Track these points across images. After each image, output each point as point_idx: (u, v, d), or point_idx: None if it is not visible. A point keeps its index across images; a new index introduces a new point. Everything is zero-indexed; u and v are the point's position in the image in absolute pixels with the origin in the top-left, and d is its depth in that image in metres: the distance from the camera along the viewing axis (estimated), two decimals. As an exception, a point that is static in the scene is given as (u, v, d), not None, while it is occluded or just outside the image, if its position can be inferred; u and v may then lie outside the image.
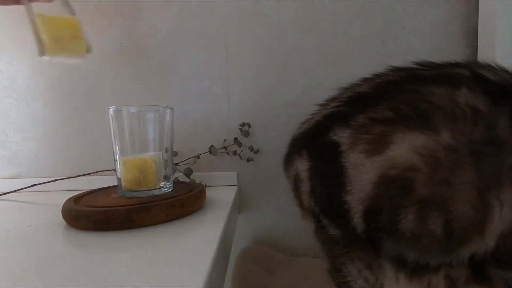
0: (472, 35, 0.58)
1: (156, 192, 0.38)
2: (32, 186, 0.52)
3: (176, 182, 0.49)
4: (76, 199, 0.38)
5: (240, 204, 0.60)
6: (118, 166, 0.38)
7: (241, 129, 0.58)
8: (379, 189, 0.22)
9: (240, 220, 0.60)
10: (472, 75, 0.26)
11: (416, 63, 0.31)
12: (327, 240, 0.30)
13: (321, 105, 0.33)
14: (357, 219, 0.24)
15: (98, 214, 0.32)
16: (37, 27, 0.31)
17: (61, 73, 0.59)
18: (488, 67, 0.28)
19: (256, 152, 0.58)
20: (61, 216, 0.35)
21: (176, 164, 0.56)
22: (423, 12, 0.58)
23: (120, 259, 0.25)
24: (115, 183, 0.40)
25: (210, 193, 0.49)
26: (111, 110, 0.38)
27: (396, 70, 0.31)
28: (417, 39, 0.58)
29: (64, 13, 0.36)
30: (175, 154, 0.56)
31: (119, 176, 0.38)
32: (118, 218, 0.32)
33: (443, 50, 0.58)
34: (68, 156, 0.59)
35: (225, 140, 0.58)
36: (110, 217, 0.32)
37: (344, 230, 0.26)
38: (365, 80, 0.32)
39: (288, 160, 0.33)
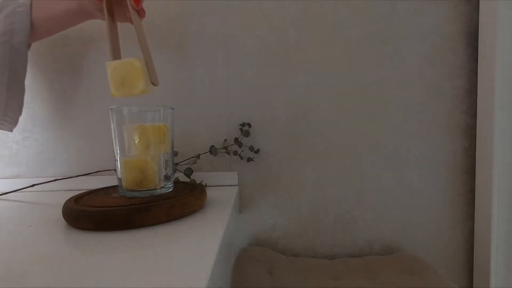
0: (472, 35, 0.58)
1: (156, 192, 0.38)
2: (33, 186, 0.52)
3: (177, 182, 0.49)
4: (77, 199, 0.38)
5: (240, 204, 0.60)
6: (119, 166, 0.38)
7: (241, 129, 0.58)
8: None
9: (240, 220, 0.60)
10: None
11: None
12: None
13: None
14: None
15: (98, 214, 0.32)
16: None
17: (61, 73, 0.59)
18: None
19: (257, 152, 0.58)
20: (62, 216, 0.35)
21: (177, 164, 0.56)
22: (423, 12, 0.58)
23: (120, 259, 0.25)
24: (115, 183, 0.40)
25: (210, 193, 0.49)
26: (112, 110, 0.38)
27: None
28: (417, 39, 0.58)
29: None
30: (175, 154, 0.56)
31: (119, 176, 0.38)
32: (118, 218, 0.32)
33: (443, 50, 0.58)
34: (68, 156, 0.59)
35: (225, 140, 0.58)
36: (111, 217, 0.32)
37: None
38: None
39: None
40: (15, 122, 0.49)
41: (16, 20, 0.45)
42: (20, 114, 0.49)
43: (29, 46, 0.48)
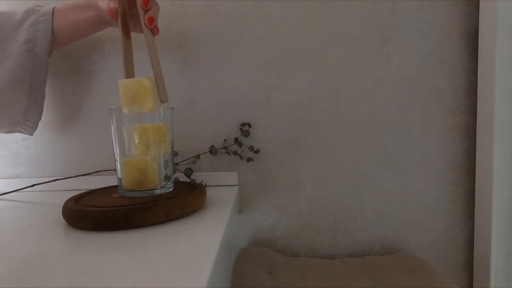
0: (472, 35, 0.58)
1: (156, 192, 0.38)
2: (33, 186, 0.52)
3: (177, 182, 0.49)
4: (77, 199, 0.38)
5: (240, 204, 0.60)
6: (119, 166, 0.38)
7: (241, 129, 0.58)
8: None
9: (240, 220, 0.60)
10: None
11: None
12: None
13: None
14: None
15: (98, 214, 0.32)
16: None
17: (61, 73, 0.59)
18: None
19: (257, 152, 0.58)
20: (62, 216, 0.35)
21: (177, 164, 0.56)
22: (423, 12, 0.58)
23: (120, 259, 0.25)
24: (115, 183, 0.40)
25: (210, 193, 0.49)
26: (111, 110, 0.38)
27: None
28: (417, 39, 0.58)
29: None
30: (175, 154, 0.56)
31: (119, 176, 0.38)
32: (118, 218, 0.32)
33: (443, 50, 0.58)
34: (68, 156, 0.59)
35: (225, 140, 0.58)
36: (111, 217, 0.32)
37: None
38: None
39: None
40: (35, 127, 0.51)
41: (39, 29, 0.47)
42: (39, 119, 0.51)
43: (50, 53, 0.49)
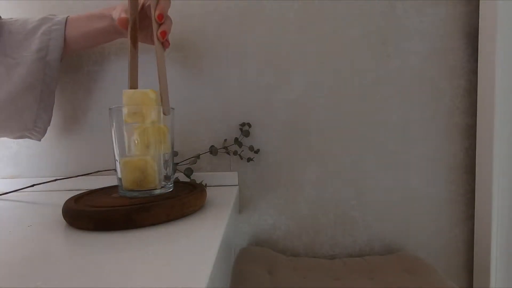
0: (472, 35, 0.58)
1: (156, 192, 0.38)
2: (32, 186, 0.52)
3: (177, 182, 0.49)
4: (77, 199, 0.38)
5: (240, 204, 0.60)
6: (119, 166, 0.38)
7: (241, 129, 0.58)
8: None
9: (240, 220, 0.60)
10: None
11: None
12: None
13: None
14: None
15: (98, 214, 0.32)
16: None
17: (61, 73, 0.58)
18: None
19: (257, 152, 0.58)
20: (62, 216, 0.35)
21: (177, 164, 0.56)
22: (423, 12, 0.58)
23: (120, 259, 0.25)
24: (115, 183, 0.40)
25: (210, 193, 0.49)
26: (111, 110, 0.38)
27: None
28: (417, 39, 0.58)
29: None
30: (175, 154, 0.56)
31: (119, 176, 0.38)
32: (118, 218, 0.32)
33: (443, 50, 0.58)
34: (68, 156, 0.59)
35: (225, 140, 0.58)
36: (111, 217, 0.32)
37: None
38: None
39: None
40: (43, 133, 0.52)
41: (51, 37, 0.48)
42: (49, 124, 0.52)
43: (61, 59, 0.50)
